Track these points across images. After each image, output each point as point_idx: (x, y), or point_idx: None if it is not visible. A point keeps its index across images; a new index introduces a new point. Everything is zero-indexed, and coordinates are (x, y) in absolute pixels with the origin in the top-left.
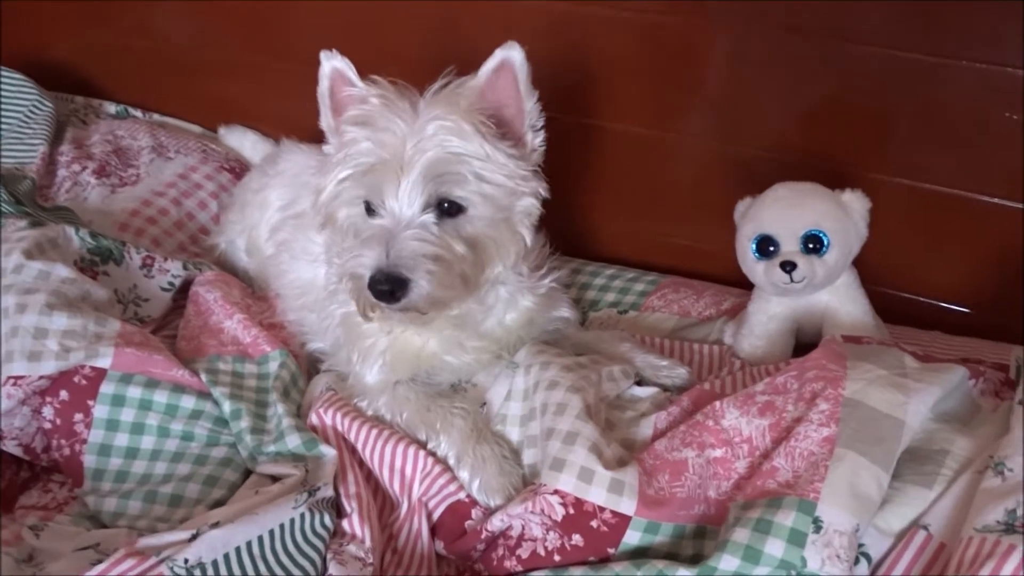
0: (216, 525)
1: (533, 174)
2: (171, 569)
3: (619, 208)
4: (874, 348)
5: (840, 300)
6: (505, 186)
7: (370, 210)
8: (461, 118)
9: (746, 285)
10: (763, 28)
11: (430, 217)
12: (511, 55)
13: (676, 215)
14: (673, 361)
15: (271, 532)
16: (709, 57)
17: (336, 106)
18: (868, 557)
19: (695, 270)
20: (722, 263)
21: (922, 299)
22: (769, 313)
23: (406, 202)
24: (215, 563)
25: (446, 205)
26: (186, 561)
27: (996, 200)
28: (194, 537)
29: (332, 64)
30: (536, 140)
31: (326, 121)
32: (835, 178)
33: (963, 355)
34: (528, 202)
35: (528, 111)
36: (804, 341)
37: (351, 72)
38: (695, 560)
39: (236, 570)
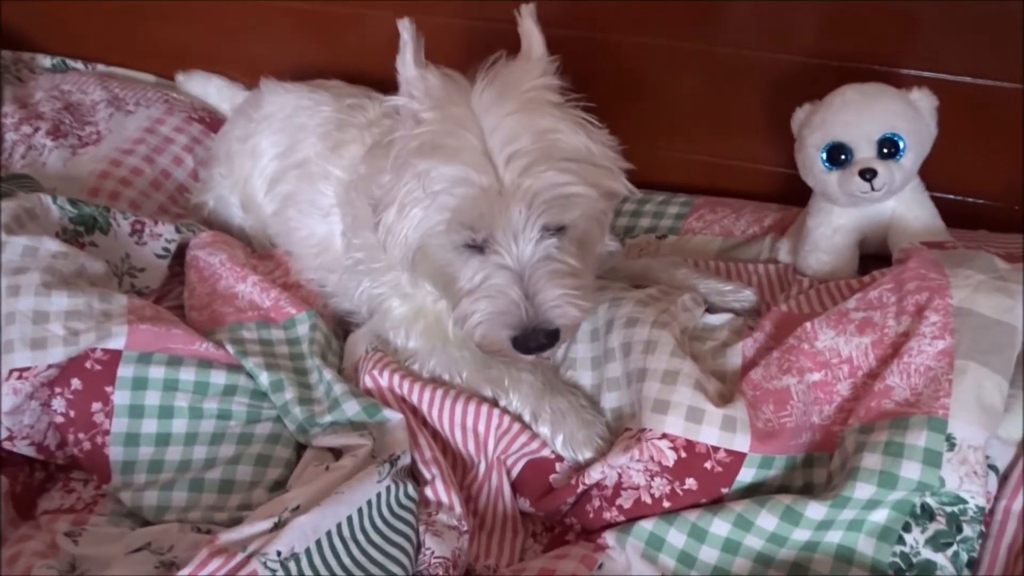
0: (296, 510)
1: None
2: (264, 564)
3: (637, 128)
4: (963, 252)
5: (907, 206)
6: (608, 189)
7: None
8: (557, 115)
9: (780, 199)
10: None
11: (552, 241)
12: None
13: (698, 132)
14: (737, 284)
15: (360, 511)
16: None
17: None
18: (996, 469)
19: (724, 188)
20: (752, 178)
21: (951, 197)
22: (833, 226)
23: (523, 235)
24: (308, 552)
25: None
26: (279, 554)
27: None
28: (277, 526)
29: (408, 33)
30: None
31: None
32: (867, 77)
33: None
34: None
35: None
36: (866, 252)
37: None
38: (806, 490)
39: (331, 557)
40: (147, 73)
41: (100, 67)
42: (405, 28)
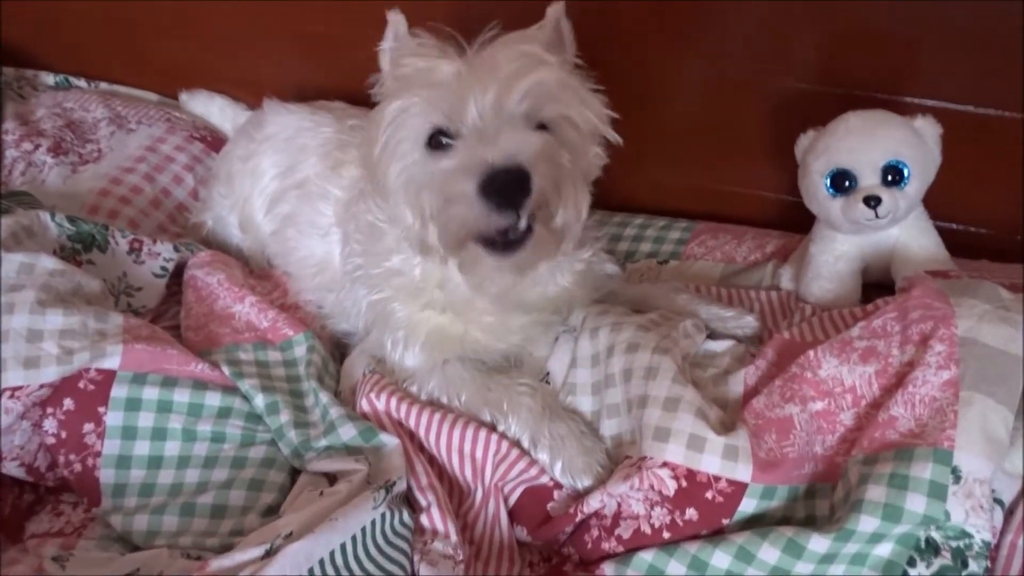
0: (289, 537)
1: None
2: None
3: (639, 153)
4: (967, 282)
5: (911, 234)
6: (591, 124)
7: (438, 146)
8: (542, 49)
9: (781, 226)
10: None
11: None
12: (559, 14)
13: (700, 158)
14: (739, 310)
15: (354, 538)
16: None
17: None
18: (1001, 503)
19: (725, 214)
20: (753, 204)
21: (952, 226)
22: (836, 253)
23: (494, 114)
24: None
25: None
26: None
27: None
28: (269, 553)
29: (396, 22)
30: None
31: (386, 83)
32: (869, 104)
33: None
34: (596, 152)
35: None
36: (868, 280)
37: (403, 27)
38: (808, 522)
39: None
40: (150, 92)
41: (103, 85)
42: (394, 21)
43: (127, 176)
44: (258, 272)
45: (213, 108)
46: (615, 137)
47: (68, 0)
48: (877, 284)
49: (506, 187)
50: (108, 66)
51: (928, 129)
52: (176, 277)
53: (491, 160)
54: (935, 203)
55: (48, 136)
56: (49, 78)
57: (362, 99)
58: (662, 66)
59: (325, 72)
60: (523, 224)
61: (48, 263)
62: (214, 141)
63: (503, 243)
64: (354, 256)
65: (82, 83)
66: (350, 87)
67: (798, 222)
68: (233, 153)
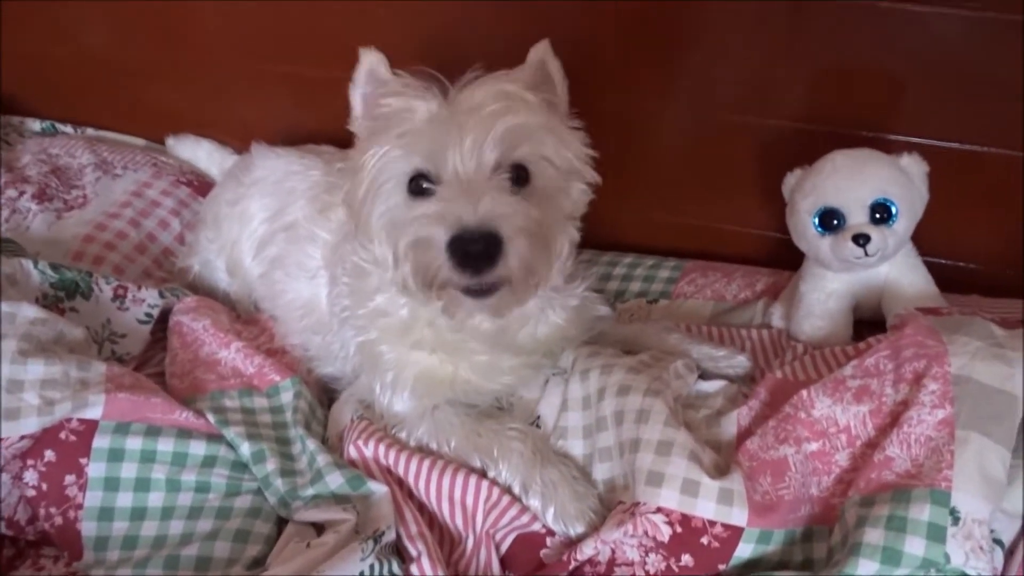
0: None
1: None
2: None
3: (627, 192)
4: (959, 318)
5: (901, 271)
6: (569, 163)
7: (418, 191)
8: (522, 89)
9: (770, 263)
10: None
11: (505, 177)
12: (544, 53)
13: (688, 196)
14: (730, 349)
15: None
16: (708, 25)
17: (367, 108)
18: (1001, 543)
19: (714, 252)
20: (743, 242)
21: (943, 262)
22: (827, 291)
23: (474, 160)
24: None
25: (514, 173)
26: None
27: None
28: None
29: (370, 60)
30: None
31: (359, 123)
32: (855, 142)
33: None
34: (581, 189)
35: (562, 107)
36: (860, 317)
37: (383, 67)
38: (805, 566)
39: None
40: (137, 137)
41: (90, 131)
42: (367, 57)
43: (112, 222)
44: (245, 317)
45: (200, 152)
46: (594, 176)
47: (55, 46)
48: (869, 321)
49: (475, 253)
50: (96, 112)
51: (914, 167)
52: (161, 323)
53: (465, 221)
54: (924, 239)
55: (33, 182)
56: (35, 124)
57: (351, 144)
58: (651, 106)
59: (314, 117)
60: (490, 276)
61: (30, 312)
62: (201, 185)
63: (476, 289)
64: (342, 297)
65: (68, 129)
66: (339, 132)
67: (787, 259)
68: (221, 197)
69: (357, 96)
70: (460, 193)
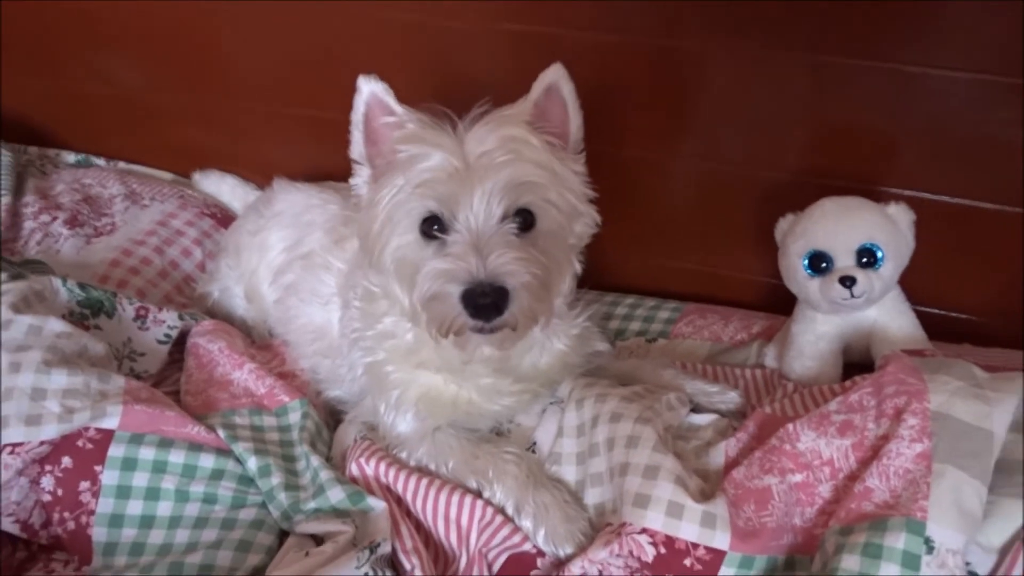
0: None
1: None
2: None
3: (631, 238)
4: (941, 360)
5: (889, 315)
6: (571, 205)
7: (429, 234)
8: (527, 132)
9: (767, 308)
10: (770, 50)
11: (512, 227)
12: (558, 76)
13: (690, 243)
14: (723, 385)
15: None
16: (712, 80)
17: (370, 136)
18: None
19: (713, 296)
20: (740, 287)
21: (936, 311)
22: (817, 333)
23: (484, 212)
24: None
25: (520, 218)
26: None
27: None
28: None
29: (370, 89)
30: (580, 164)
31: (358, 150)
32: (848, 193)
33: (1008, 365)
34: (583, 226)
35: (575, 132)
36: (850, 360)
37: (390, 97)
38: None
39: None
40: (165, 171)
41: (121, 164)
42: (367, 86)
43: (138, 248)
44: (259, 343)
45: (224, 187)
46: (594, 216)
47: (91, 85)
48: (860, 364)
49: (486, 305)
50: (127, 147)
51: (901, 215)
52: (179, 344)
53: (477, 276)
54: (919, 288)
55: (65, 209)
56: (70, 156)
57: None
58: (657, 158)
59: (333, 156)
60: (497, 322)
61: (56, 326)
62: (223, 218)
63: (484, 327)
64: (353, 320)
65: (101, 162)
66: None
67: (783, 304)
68: (243, 227)
69: (358, 120)
70: (471, 247)
